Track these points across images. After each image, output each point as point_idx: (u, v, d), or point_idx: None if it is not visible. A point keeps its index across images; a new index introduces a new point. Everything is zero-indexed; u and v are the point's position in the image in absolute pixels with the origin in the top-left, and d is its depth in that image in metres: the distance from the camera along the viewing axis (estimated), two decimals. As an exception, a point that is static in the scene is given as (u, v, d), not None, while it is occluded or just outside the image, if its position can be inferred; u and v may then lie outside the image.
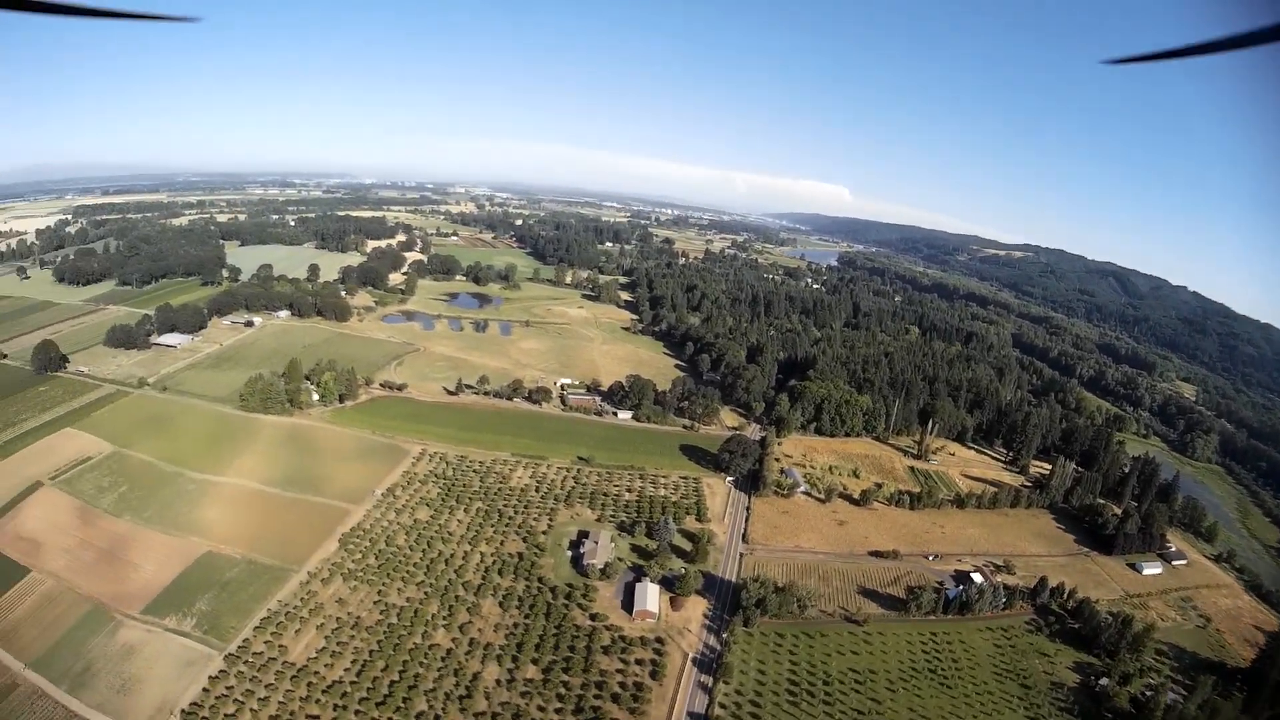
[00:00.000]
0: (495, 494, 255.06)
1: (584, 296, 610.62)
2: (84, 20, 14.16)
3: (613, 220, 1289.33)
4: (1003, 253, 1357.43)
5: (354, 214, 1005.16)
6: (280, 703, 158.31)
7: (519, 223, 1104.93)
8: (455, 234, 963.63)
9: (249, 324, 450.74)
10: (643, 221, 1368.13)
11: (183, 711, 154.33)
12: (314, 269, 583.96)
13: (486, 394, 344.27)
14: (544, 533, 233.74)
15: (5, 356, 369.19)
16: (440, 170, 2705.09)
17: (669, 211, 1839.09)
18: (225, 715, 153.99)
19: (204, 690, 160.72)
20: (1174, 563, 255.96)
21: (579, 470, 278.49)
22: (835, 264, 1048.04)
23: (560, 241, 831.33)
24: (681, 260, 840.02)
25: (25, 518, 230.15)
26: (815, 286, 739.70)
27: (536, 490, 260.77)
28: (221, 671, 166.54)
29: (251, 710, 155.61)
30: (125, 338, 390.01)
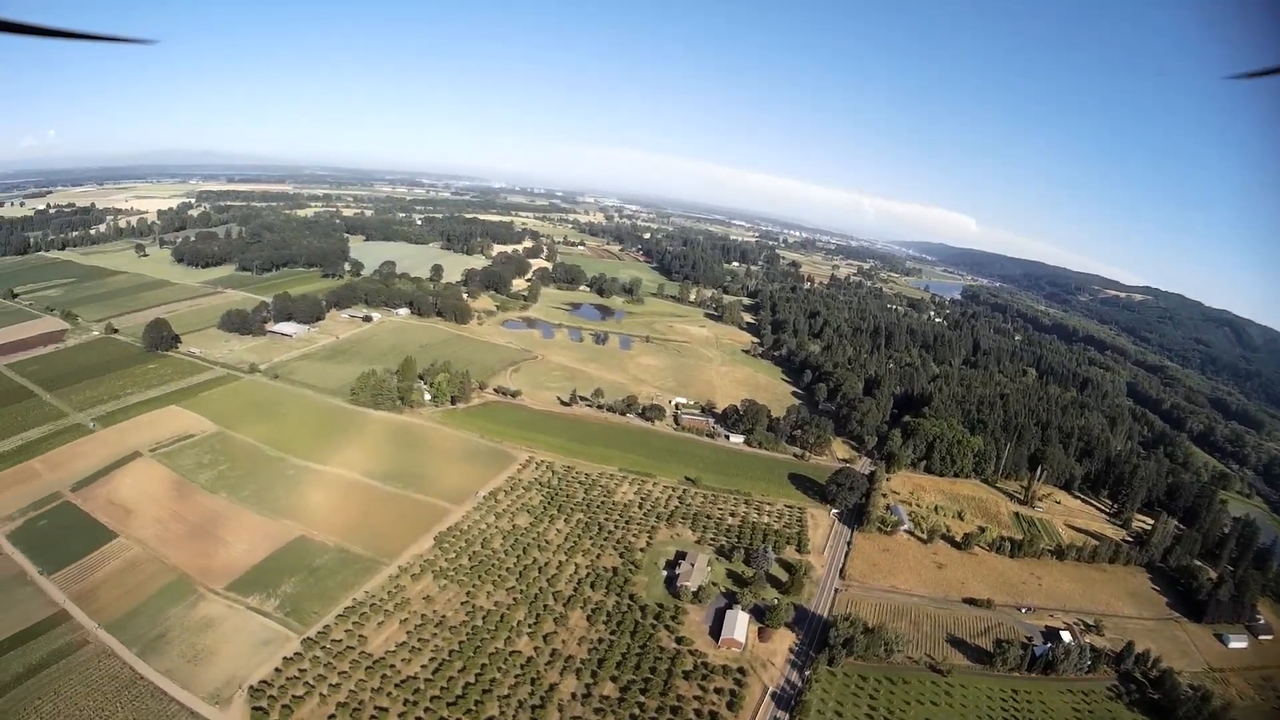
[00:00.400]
0: (598, 507, 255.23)
1: (707, 315, 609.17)
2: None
3: (740, 239, 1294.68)
4: (1123, 294, 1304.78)
5: (481, 217, 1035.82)
6: (351, 691, 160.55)
7: (646, 236, 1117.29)
8: (582, 244, 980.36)
9: (367, 319, 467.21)
10: (770, 242, 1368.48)
11: (250, 688, 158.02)
12: (437, 269, 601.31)
13: (600, 407, 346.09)
14: (641, 550, 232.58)
15: (116, 331, 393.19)
16: (571, 178, 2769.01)
17: (796, 234, 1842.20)
18: (293, 695, 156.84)
19: (276, 670, 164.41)
20: (1260, 637, 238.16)
21: (685, 490, 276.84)
22: (959, 298, 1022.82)
23: (687, 258, 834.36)
24: (806, 285, 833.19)
25: (119, 485, 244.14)
26: (937, 320, 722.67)
27: (640, 507, 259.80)
28: (297, 654, 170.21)
29: (320, 695, 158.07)
30: (240, 323, 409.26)
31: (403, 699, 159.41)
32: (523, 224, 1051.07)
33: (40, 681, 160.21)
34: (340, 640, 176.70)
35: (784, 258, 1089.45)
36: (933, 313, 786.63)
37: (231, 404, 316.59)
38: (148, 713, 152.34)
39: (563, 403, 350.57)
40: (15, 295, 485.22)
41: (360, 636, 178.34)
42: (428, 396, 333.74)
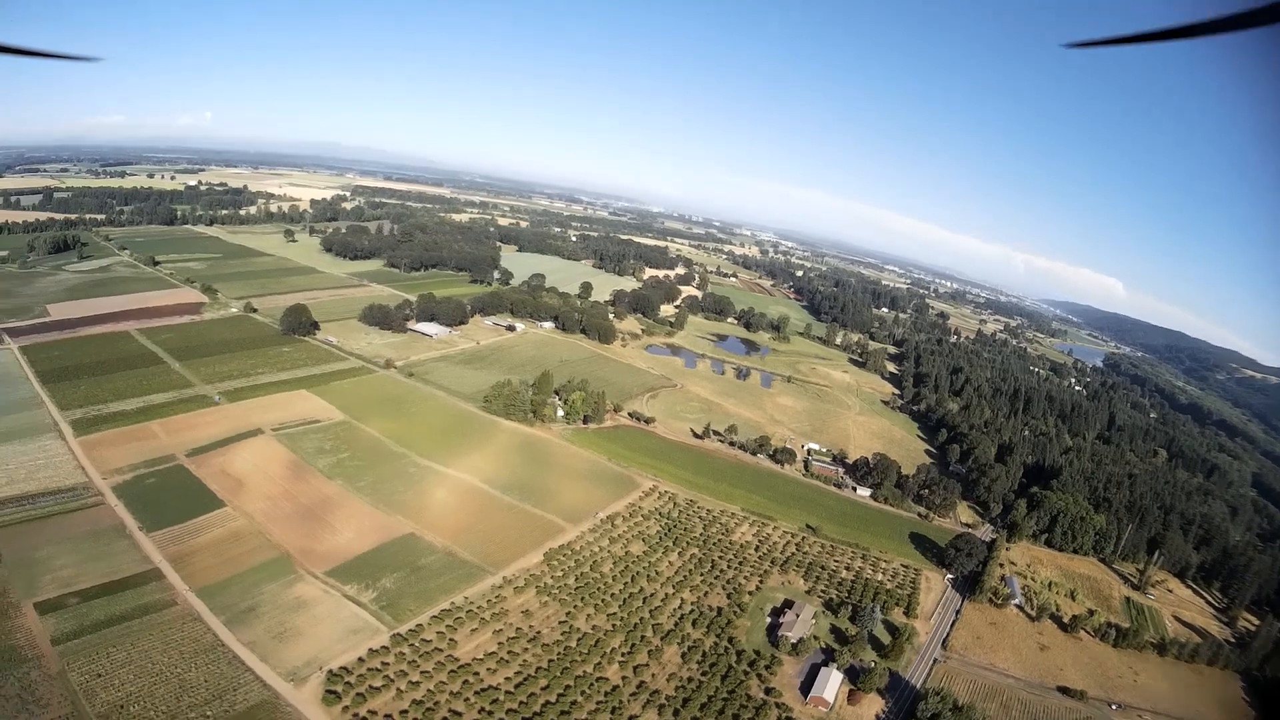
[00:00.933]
0: (714, 544, 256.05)
1: (851, 361, 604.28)
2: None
3: (891, 285, 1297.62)
4: (1259, 375, 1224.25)
5: (636, 240, 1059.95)
6: (429, 691, 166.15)
7: (799, 274, 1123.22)
8: (735, 275, 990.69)
9: (511, 328, 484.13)
10: (920, 291, 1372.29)
11: (330, 672, 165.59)
12: (586, 287, 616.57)
13: (732, 444, 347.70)
14: (750, 593, 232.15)
15: (255, 311, 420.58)
16: (728, 208, 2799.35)
17: (948, 284, 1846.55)
18: (370, 686, 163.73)
19: (359, 659, 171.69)
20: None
21: (803, 539, 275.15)
22: (1100, 365, 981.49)
23: (837, 300, 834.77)
24: (953, 338, 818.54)
25: (235, 457, 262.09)
26: (1077, 389, 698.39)
27: (756, 549, 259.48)
28: (383, 647, 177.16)
29: (398, 690, 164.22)
30: (381, 317, 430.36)
31: (479, 706, 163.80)
32: (677, 251, 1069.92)
33: (119, 631, 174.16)
34: (430, 640, 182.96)
35: (933, 308, 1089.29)
36: (1073, 380, 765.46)
37: (361, 396, 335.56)
38: (220, 677, 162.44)
39: (695, 435, 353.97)
40: (157, 263, 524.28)
41: (451, 640, 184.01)
42: (560, 412, 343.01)
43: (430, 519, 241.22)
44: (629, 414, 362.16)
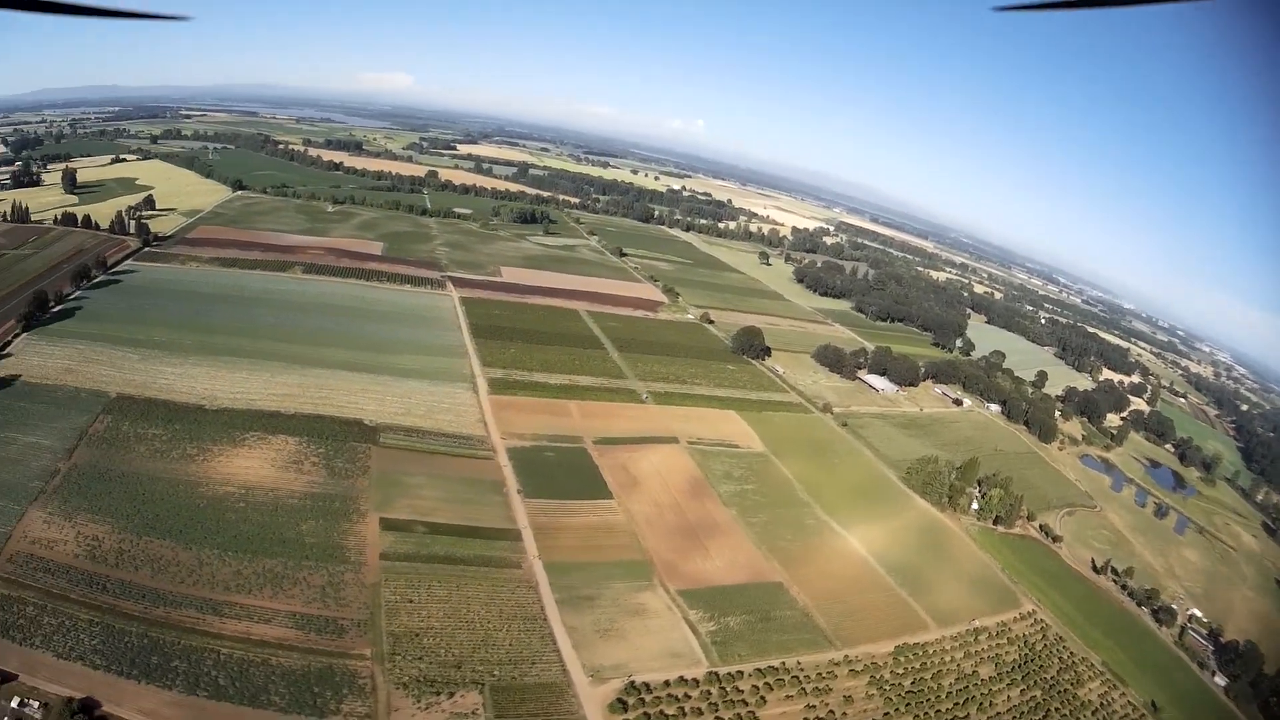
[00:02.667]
0: (1057, 693, 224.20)
1: (1264, 525, 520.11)
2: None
3: None
4: None
5: (1101, 334, 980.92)
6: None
7: (1244, 408, 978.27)
8: (1186, 396, 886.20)
9: (958, 403, 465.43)
10: None
11: (631, 683, 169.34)
12: (1042, 375, 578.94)
13: (1124, 588, 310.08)
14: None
15: (711, 322, 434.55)
16: (1190, 314, 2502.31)
17: None
18: (661, 711, 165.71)
19: (665, 682, 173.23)
20: None
21: (1143, 716, 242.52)
22: None
23: (1271, 450, 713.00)
24: None
25: (641, 457, 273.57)
26: None
27: (1094, 714, 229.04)
28: (695, 679, 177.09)
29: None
30: (833, 360, 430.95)
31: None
32: (1137, 356, 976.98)
33: (450, 571, 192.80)
34: (741, 691, 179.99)
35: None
36: None
37: (788, 433, 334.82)
38: (524, 647, 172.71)
39: (1094, 568, 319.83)
40: (624, 254, 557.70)
41: (761, 698, 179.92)
42: (974, 505, 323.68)
43: (803, 575, 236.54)
44: (1039, 525, 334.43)
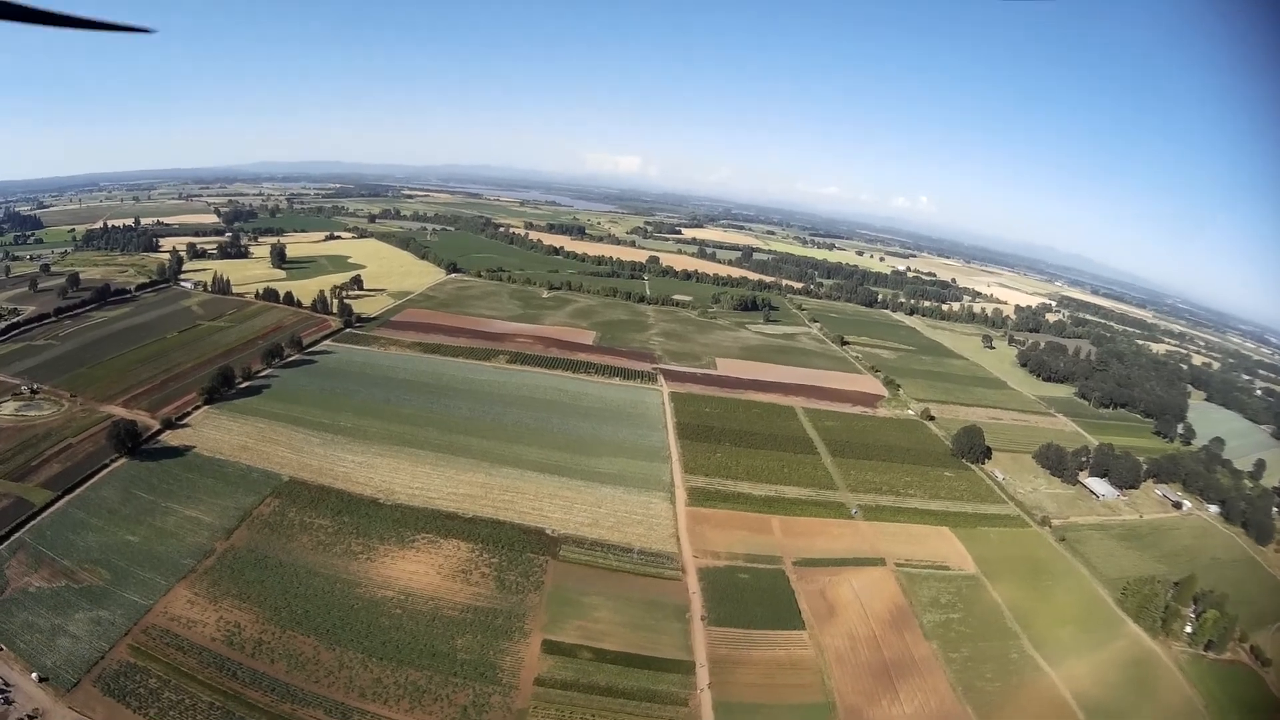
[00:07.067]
0: None
1: None
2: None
3: None
4: None
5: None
6: None
7: None
8: None
9: (1177, 505, 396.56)
10: None
11: None
12: (1260, 465, 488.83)
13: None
14: None
15: (932, 419, 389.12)
16: None
17: None
18: None
19: None
20: None
21: None
22: None
23: None
24: None
25: (842, 582, 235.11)
26: None
27: None
28: None
29: None
30: (1055, 461, 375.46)
31: None
32: None
33: (609, 704, 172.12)
34: None
35: None
36: None
37: (1003, 551, 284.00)
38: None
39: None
40: (845, 343, 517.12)
41: None
42: (1189, 629, 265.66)
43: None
44: (1250, 647, 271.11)
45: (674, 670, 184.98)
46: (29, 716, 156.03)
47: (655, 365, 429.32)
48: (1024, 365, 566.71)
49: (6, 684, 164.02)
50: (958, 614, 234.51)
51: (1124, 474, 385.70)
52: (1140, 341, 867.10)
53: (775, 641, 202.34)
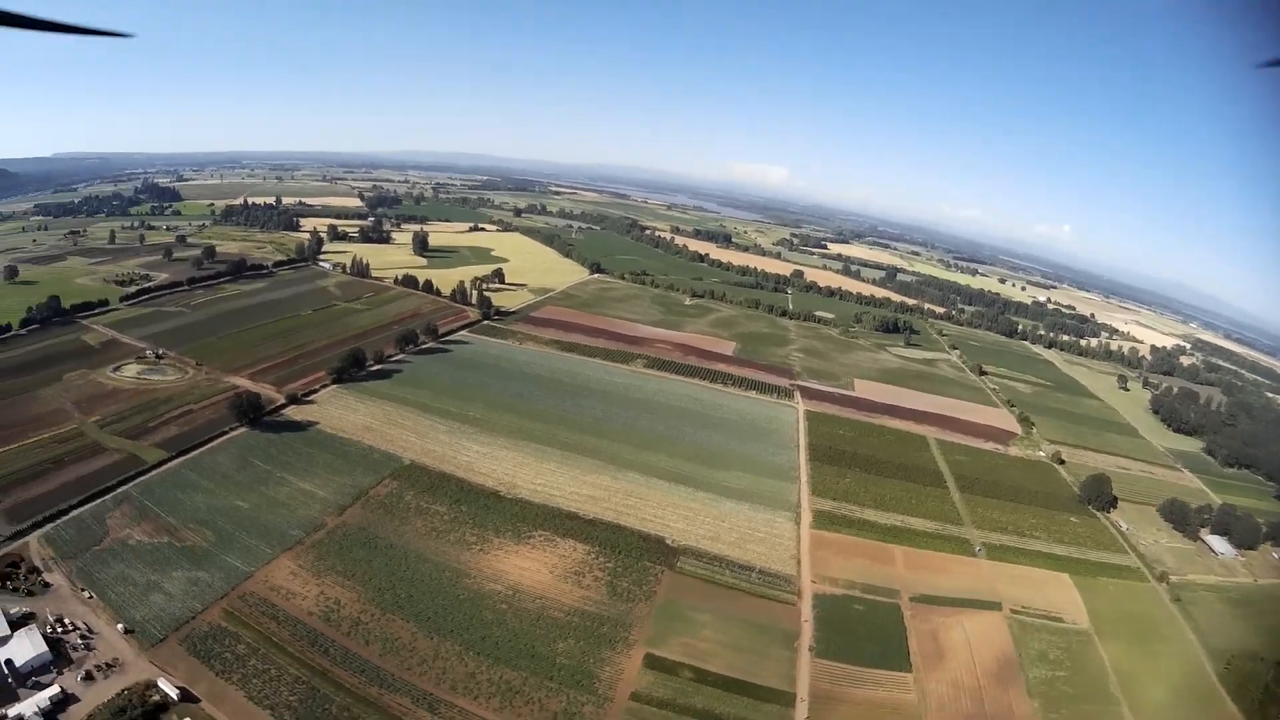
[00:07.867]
0: None
1: None
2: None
3: None
4: None
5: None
6: None
7: None
8: None
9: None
10: None
11: None
12: None
13: None
14: None
15: (1063, 463, 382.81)
16: None
17: None
18: None
19: None
20: None
21: None
22: None
23: None
24: None
25: (955, 624, 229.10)
26: None
27: None
28: None
29: None
30: (1179, 516, 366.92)
31: None
32: None
33: None
34: None
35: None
36: None
37: (1118, 606, 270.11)
38: None
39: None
40: (983, 373, 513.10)
41: None
42: None
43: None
44: None
45: (773, 701, 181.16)
46: (106, 664, 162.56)
47: (793, 381, 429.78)
48: (1156, 412, 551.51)
49: (91, 630, 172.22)
50: (1064, 672, 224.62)
51: (1243, 534, 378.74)
52: (1270, 394, 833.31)
53: (880, 681, 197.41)
